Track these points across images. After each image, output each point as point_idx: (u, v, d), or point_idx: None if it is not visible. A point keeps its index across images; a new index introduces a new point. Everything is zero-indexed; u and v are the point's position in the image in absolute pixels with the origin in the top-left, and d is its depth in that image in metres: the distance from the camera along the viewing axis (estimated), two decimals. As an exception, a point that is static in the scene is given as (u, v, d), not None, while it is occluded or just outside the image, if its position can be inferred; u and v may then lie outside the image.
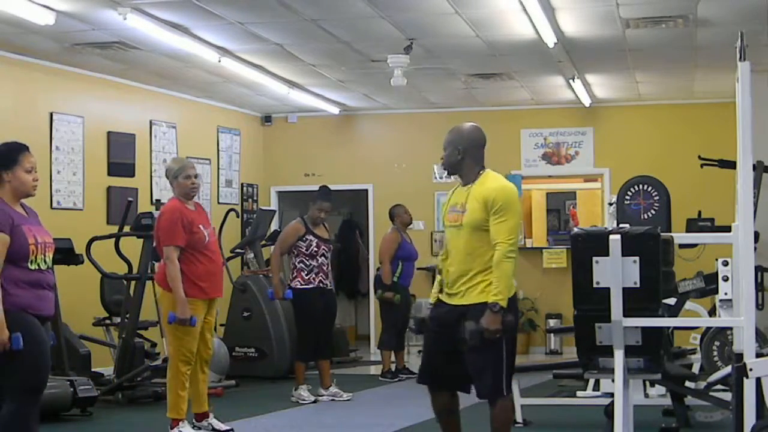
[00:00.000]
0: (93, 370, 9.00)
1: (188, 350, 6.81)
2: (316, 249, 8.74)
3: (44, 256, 4.98)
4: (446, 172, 5.33)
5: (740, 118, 5.05)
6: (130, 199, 9.64)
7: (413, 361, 11.50)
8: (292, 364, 10.53)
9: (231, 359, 9.98)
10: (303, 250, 8.72)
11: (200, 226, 6.88)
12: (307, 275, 8.74)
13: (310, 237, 8.74)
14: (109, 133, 11.07)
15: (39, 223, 5.13)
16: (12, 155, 5.01)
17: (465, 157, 5.12)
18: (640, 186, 9.37)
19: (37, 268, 4.93)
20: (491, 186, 5.03)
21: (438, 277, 5.25)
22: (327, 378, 9.04)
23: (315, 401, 8.82)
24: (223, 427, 7.11)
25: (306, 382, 8.97)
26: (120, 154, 11.20)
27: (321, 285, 8.78)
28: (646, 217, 9.24)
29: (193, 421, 7.05)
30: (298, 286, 8.75)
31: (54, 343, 5.42)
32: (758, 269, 8.17)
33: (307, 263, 8.72)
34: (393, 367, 10.60)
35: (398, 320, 10.56)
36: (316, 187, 13.64)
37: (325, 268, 8.82)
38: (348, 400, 8.95)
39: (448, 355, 5.04)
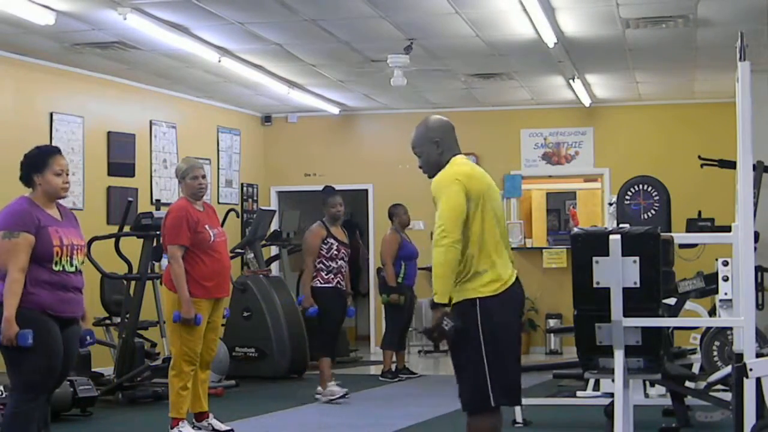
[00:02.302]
0: (93, 370, 9.01)
1: (191, 350, 6.80)
2: (336, 252, 8.83)
3: (70, 258, 5.07)
4: (428, 176, 4.68)
5: (740, 118, 5.05)
6: (130, 199, 9.65)
7: (413, 361, 11.50)
8: (293, 364, 10.59)
9: (231, 359, 9.98)
10: (324, 253, 8.78)
11: (206, 227, 6.87)
12: (326, 275, 8.79)
13: (331, 240, 8.82)
14: (109, 133, 11.07)
15: (73, 225, 5.23)
16: (42, 158, 5.16)
17: (444, 148, 4.61)
18: (640, 186, 9.37)
19: (61, 269, 5.03)
20: (434, 179, 4.58)
21: None
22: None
23: (346, 394, 8.80)
24: (223, 427, 7.11)
25: (333, 378, 8.96)
26: (120, 154, 11.20)
27: (338, 286, 8.86)
28: (646, 217, 9.24)
29: (193, 421, 7.05)
30: (319, 285, 8.79)
31: (91, 342, 5.50)
32: (758, 269, 8.17)
33: (327, 264, 8.79)
34: (393, 367, 10.60)
35: (402, 321, 10.56)
36: (316, 187, 13.71)
37: (343, 270, 8.92)
38: (346, 396, 8.95)
39: None
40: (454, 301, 4.44)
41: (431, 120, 4.71)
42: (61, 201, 5.31)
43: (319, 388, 8.87)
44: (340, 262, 8.86)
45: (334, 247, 8.81)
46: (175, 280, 6.75)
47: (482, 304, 4.43)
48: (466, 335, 4.42)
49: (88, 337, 5.33)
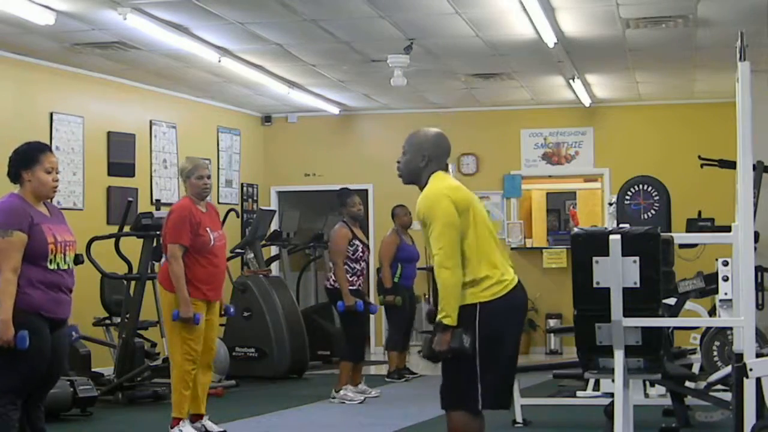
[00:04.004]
0: (93, 370, 9.00)
1: (193, 349, 6.79)
2: (361, 254, 8.88)
3: (64, 255, 5.00)
4: (401, 179, 4.70)
5: (740, 118, 5.05)
6: (130, 199, 9.64)
7: (414, 361, 11.47)
8: (293, 364, 10.59)
9: (231, 359, 9.98)
10: (350, 255, 8.82)
11: (207, 229, 6.86)
12: (350, 277, 8.81)
13: (356, 242, 8.87)
14: (109, 133, 11.06)
15: (62, 222, 5.15)
16: (33, 154, 5.05)
17: (428, 165, 4.57)
18: (640, 186, 9.37)
19: (56, 268, 4.95)
20: (421, 198, 4.53)
21: None
22: (357, 376, 9.11)
23: (363, 401, 8.81)
24: (216, 428, 7.07)
25: (350, 381, 8.95)
26: (120, 154, 11.19)
27: (359, 288, 8.90)
28: (646, 217, 9.24)
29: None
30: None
31: (77, 338, 5.46)
32: (758, 269, 8.15)
33: (351, 266, 8.83)
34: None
35: (403, 321, 10.54)
36: (316, 187, 13.76)
37: (364, 272, 8.99)
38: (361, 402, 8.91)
39: None
40: (444, 315, 4.40)
41: (431, 134, 4.67)
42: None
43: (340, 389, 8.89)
44: (363, 264, 8.91)
45: (360, 249, 8.85)
46: (175, 280, 6.72)
47: (482, 309, 4.40)
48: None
49: (73, 333, 5.28)
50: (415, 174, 4.61)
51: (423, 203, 4.47)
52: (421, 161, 4.58)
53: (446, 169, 4.63)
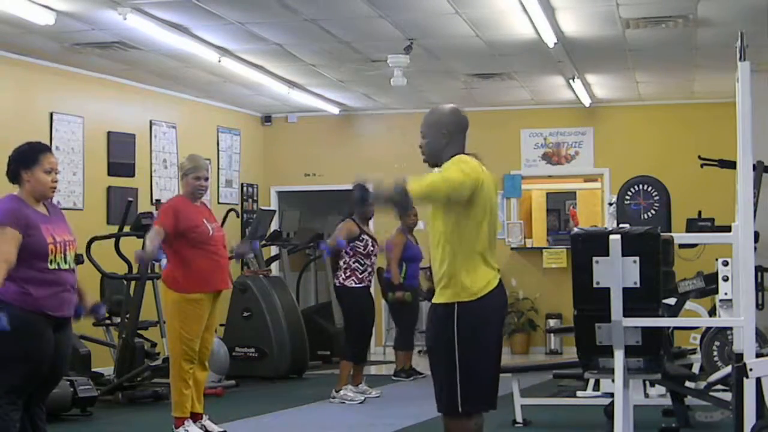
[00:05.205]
0: (93, 370, 9.00)
1: (190, 348, 6.82)
2: (371, 248, 8.86)
3: (64, 255, 5.01)
4: (427, 163, 4.50)
5: (740, 118, 5.05)
6: (130, 199, 9.65)
7: (413, 360, 11.47)
8: (293, 364, 10.59)
9: (231, 359, 9.97)
10: (360, 250, 8.78)
11: (204, 220, 6.95)
12: (361, 274, 8.80)
13: (366, 237, 8.83)
14: (109, 133, 11.07)
15: (62, 221, 5.16)
16: (33, 155, 5.07)
17: (450, 142, 4.40)
18: (640, 186, 9.38)
19: (56, 268, 4.96)
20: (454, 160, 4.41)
21: None
22: (359, 376, 9.11)
23: (364, 401, 8.81)
24: (217, 428, 7.08)
25: (350, 381, 8.95)
26: (120, 154, 11.20)
27: (369, 284, 8.90)
28: (646, 217, 9.25)
29: (188, 419, 7.04)
30: (353, 285, 8.78)
31: (102, 317, 5.47)
32: (758, 269, 8.16)
33: (363, 262, 8.80)
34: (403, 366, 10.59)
35: (409, 320, 10.53)
36: (316, 187, 13.76)
37: (374, 267, 8.98)
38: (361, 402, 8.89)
39: None
40: (434, 302, 4.38)
41: (447, 109, 4.53)
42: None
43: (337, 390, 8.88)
44: (373, 258, 8.89)
45: (369, 243, 8.83)
46: (148, 239, 6.77)
47: (460, 309, 4.31)
48: (443, 339, 4.33)
49: (101, 310, 5.39)
50: (438, 156, 4.44)
51: (451, 161, 4.36)
52: (443, 138, 4.43)
53: (464, 151, 4.49)
